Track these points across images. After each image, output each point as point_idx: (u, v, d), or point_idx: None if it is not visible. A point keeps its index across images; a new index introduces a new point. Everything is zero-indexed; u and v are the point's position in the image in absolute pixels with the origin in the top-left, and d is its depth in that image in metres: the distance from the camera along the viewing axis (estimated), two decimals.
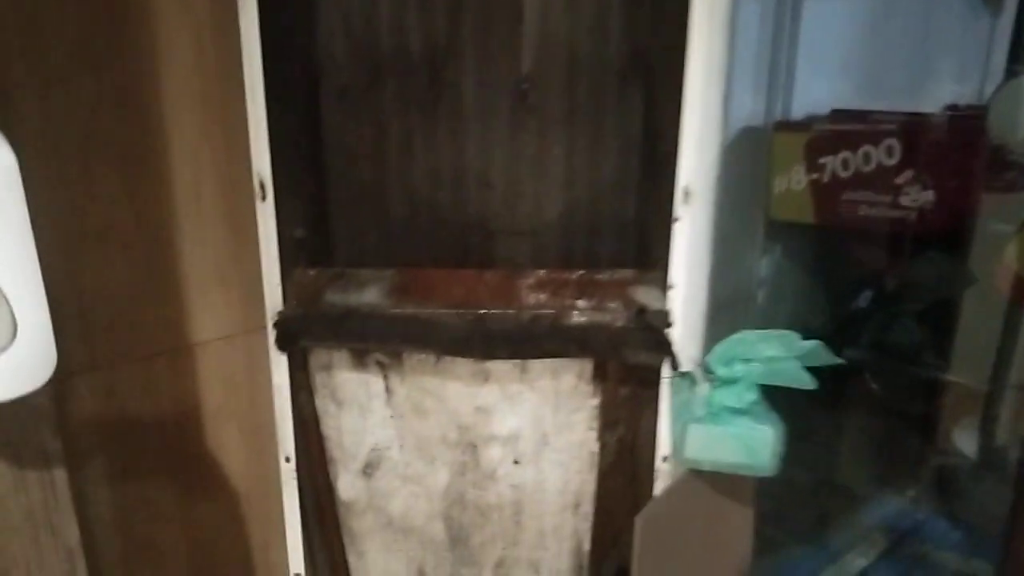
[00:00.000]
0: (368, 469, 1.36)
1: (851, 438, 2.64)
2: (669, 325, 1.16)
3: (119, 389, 1.30)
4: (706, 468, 1.18)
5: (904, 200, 2.44)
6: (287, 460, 1.21)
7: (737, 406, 1.15)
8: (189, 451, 1.41)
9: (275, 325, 1.13)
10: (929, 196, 2.40)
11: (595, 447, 1.35)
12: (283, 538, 1.38)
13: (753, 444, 1.15)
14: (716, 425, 1.16)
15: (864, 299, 2.79)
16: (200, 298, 1.34)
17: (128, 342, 1.28)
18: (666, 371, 1.17)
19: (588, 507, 1.44)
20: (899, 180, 2.43)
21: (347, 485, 1.38)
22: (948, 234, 2.51)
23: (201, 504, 1.45)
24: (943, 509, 2.59)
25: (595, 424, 1.32)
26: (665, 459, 1.23)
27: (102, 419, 1.28)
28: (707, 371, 1.15)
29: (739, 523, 1.33)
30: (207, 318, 1.37)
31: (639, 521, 1.14)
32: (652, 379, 1.19)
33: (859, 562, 2.38)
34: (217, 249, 1.35)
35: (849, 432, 2.64)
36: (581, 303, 1.17)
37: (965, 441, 2.61)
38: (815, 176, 2.47)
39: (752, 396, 1.15)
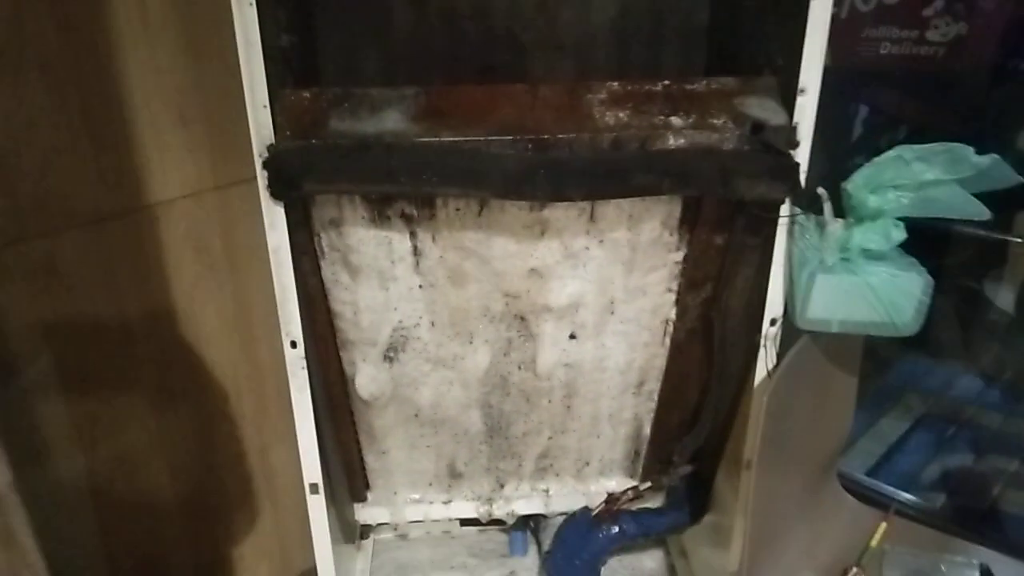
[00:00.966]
0: (391, 353, 1.09)
1: None
2: (795, 144, 0.87)
3: (62, 266, 0.99)
4: (834, 329, 0.93)
5: (932, 35, 2.16)
6: (293, 345, 0.93)
7: (882, 248, 0.89)
8: (160, 343, 1.12)
9: (266, 164, 0.82)
10: (961, 29, 2.12)
11: (671, 313, 1.09)
12: (281, 440, 1.12)
13: (896, 297, 0.90)
14: (851, 274, 0.90)
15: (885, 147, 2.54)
16: (155, 143, 1.02)
17: (66, 204, 0.96)
18: (787, 207, 0.90)
19: (653, 385, 1.20)
20: (927, 12, 2.14)
21: (365, 373, 1.11)
22: (981, 73, 2.25)
23: (180, 408, 1.17)
24: (981, 368, 2.42)
25: (675, 284, 1.05)
26: (774, 322, 0.97)
27: (44, 309, 0.97)
28: (849, 202, 0.88)
29: (844, 391, 1.11)
30: (167, 170, 1.05)
31: (766, 399, 0.90)
32: (762, 220, 0.92)
33: (897, 427, 2.20)
34: (174, 78, 1.02)
35: None
36: (676, 121, 0.87)
37: (1003, 297, 2.43)
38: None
39: (900, 234, 0.89)
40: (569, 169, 0.85)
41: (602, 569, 1.36)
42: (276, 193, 0.84)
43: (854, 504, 1.20)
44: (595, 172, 0.85)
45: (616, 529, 1.24)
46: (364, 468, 1.29)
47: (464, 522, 1.48)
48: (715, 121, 0.88)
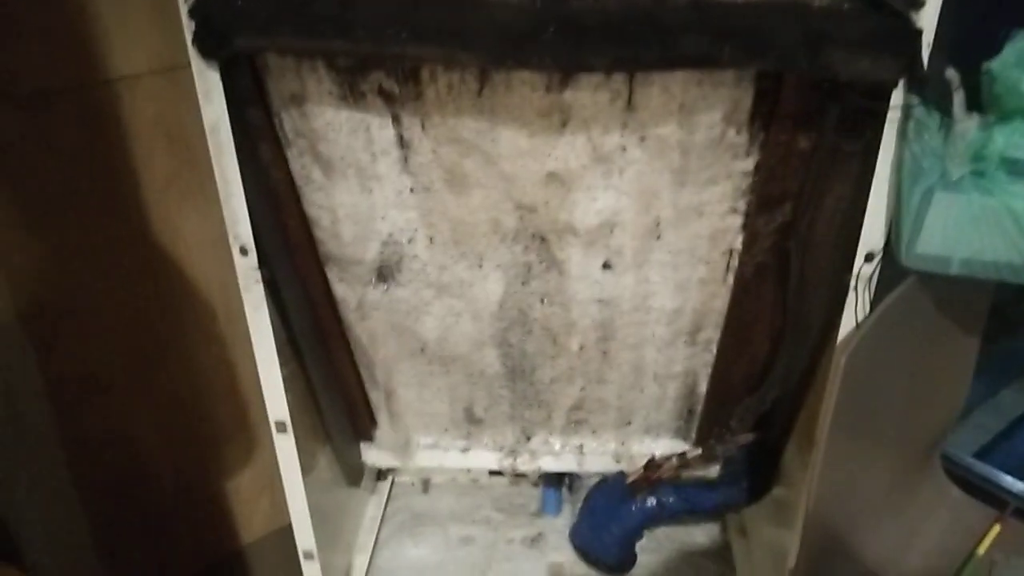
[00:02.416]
0: (384, 273, 0.90)
1: None
2: (919, 3, 0.61)
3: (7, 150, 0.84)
4: (953, 270, 0.67)
5: None
6: (243, 252, 0.75)
7: None
8: (130, 252, 0.97)
9: (192, 11, 0.63)
10: None
11: (736, 242, 0.85)
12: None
13: None
14: (985, 194, 0.64)
15: None
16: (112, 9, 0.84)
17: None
18: (900, 95, 0.64)
19: (711, 334, 0.97)
20: None
21: (355, 297, 0.93)
22: None
23: (158, 327, 1.03)
24: None
25: (741, 203, 0.81)
26: (871, 257, 0.72)
27: None
28: (993, 89, 0.62)
29: (959, 356, 0.85)
30: (130, 40, 0.87)
31: (844, 360, 0.66)
32: (864, 113, 0.67)
33: (1021, 399, 1.86)
34: None
35: None
36: None
37: None
38: None
39: None
40: (591, 25, 0.61)
41: (643, 542, 1.16)
42: (204, 50, 0.65)
43: (960, 497, 0.95)
44: (627, 31, 0.62)
45: (653, 502, 1.03)
46: (369, 406, 1.13)
47: (493, 472, 1.31)
48: None
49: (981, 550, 0.89)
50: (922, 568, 0.86)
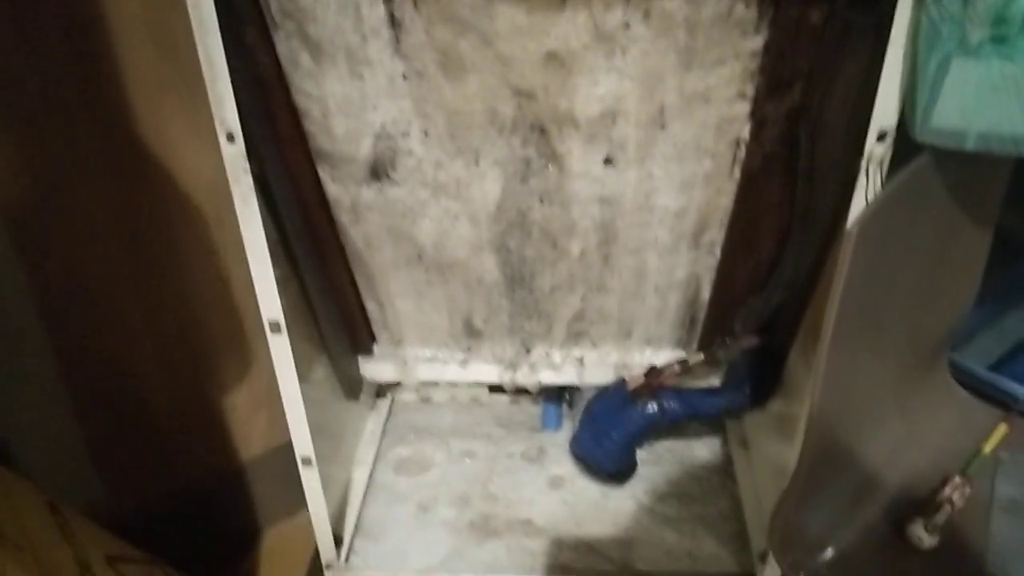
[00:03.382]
0: (378, 170, 0.87)
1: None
2: None
3: None
4: (970, 145, 0.64)
5: None
6: (230, 139, 0.72)
7: None
8: (113, 154, 0.94)
9: None
10: None
11: (744, 130, 0.82)
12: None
13: None
14: (1006, 61, 0.61)
15: None
16: None
17: None
18: None
19: (715, 235, 0.95)
20: None
21: (348, 197, 0.90)
22: None
23: (145, 235, 1.01)
24: None
25: (750, 87, 0.78)
26: (884, 136, 0.69)
27: None
28: None
29: (972, 244, 0.82)
30: None
31: (856, 230, 0.64)
32: None
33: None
34: None
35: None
36: None
37: None
38: None
39: None
40: None
41: (643, 454, 1.16)
42: None
43: (966, 399, 0.94)
44: None
45: (655, 407, 1.02)
46: (367, 317, 1.11)
47: (493, 388, 1.31)
48: None
49: (987, 448, 0.89)
50: (926, 465, 0.85)
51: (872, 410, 0.81)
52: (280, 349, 0.85)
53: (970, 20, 0.60)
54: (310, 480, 0.97)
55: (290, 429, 0.92)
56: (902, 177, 0.66)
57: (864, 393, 0.79)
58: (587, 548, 1.06)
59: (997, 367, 1.36)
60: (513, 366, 1.13)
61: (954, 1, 0.61)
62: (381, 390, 1.32)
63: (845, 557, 0.77)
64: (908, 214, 0.69)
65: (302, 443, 0.94)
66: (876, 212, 0.65)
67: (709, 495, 1.13)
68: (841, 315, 0.66)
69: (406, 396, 1.34)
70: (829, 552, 0.78)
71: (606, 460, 1.07)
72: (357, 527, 1.10)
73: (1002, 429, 0.89)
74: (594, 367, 1.11)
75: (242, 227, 0.78)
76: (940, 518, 0.79)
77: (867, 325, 0.73)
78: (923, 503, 0.82)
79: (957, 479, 0.83)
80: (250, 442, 1.24)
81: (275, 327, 0.84)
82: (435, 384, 1.29)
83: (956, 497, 0.81)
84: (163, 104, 0.94)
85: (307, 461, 0.95)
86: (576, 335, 1.10)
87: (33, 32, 0.84)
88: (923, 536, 0.79)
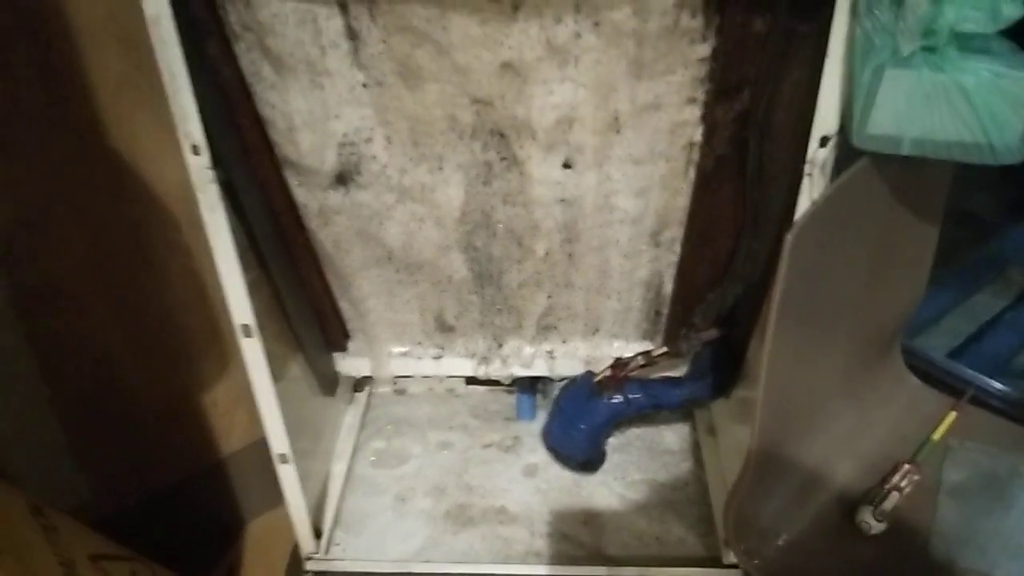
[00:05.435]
0: (343, 177, 0.89)
1: None
2: None
3: None
4: (904, 150, 0.67)
5: None
6: (195, 151, 0.74)
7: (985, 31, 0.62)
8: (81, 156, 0.95)
9: None
10: None
11: (695, 133, 0.84)
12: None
13: (999, 106, 0.64)
14: (936, 71, 0.64)
15: None
16: None
17: None
18: None
19: (675, 232, 0.97)
20: None
21: (315, 202, 0.92)
22: None
23: (118, 239, 1.02)
24: None
25: (700, 92, 0.80)
26: (825, 141, 0.72)
27: None
28: None
29: (917, 241, 0.85)
30: None
31: (791, 235, 0.67)
32: None
33: (994, 303, 1.88)
34: None
35: None
36: None
37: None
38: None
39: (1015, 11, 0.61)
40: None
41: (614, 441, 1.19)
42: None
43: (917, 387, 0.97)
44: None
45: (620, 398, 1.05)
46: (340, 317, 1.13)
47: (469, 380, 1.33)
48: None
49: (937, 435, 0.92)
50: (876, 453, 0.89)
51: (821, 401, 0.85)
52: (252, 352, 0.88)
53: (901, 32, 0.63)
54: (287, 476, 1.00)
55: (264, 428, 0.95)
56: (839, 183, 0.69)
57: (811, 387, 0.82)
58: (560, 535, 1.10)
59: (963, 348, 1.39)
60: (486, 360, 1.16)
61: (886, 13, 0.63)
62: (358, 384, 1.35)
63: (797, 544, 0.81)
64: (848, 215, 0.72)
65: (278, 441, 0.96)
66: (810, 220, 0.68)
67: (678, 481, 1.17)
68: (781, 315, 0.69)
69: (383, 388, 1.36)
70: (782, 539, 0.82)
71: (575, 450, 1.10)
72: (336, 519, 1.13)
73: (951, 416, 0.93)
74: (564, 359, 1.14)
75: (209, 235, 0.80)
76: (888, 504, 0.83)
77: (810, 322, 0.76)
78: (873, 490, 0.86)
79: (906, 466, 0.87)
80: (231, 437, 1.27)
81: (246, 331, 0.86)
82: (411, 377, 1.32)
83: (904, 484, 0.85)
84: (131, 111, 0.95)
85: (284, 458, 0.98)
86: (545, 329, 1.13)
87: None
88: (871, 523, 0.82)
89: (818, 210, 0.69)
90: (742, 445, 1.03)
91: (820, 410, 0.85)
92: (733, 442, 1.14)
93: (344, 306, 1.11)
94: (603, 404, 1.05)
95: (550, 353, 1.14)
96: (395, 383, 1.35)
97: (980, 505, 0.86)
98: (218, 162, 0.78)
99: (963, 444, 0.92)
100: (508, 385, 1.26)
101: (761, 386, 0.72)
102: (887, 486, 0.85)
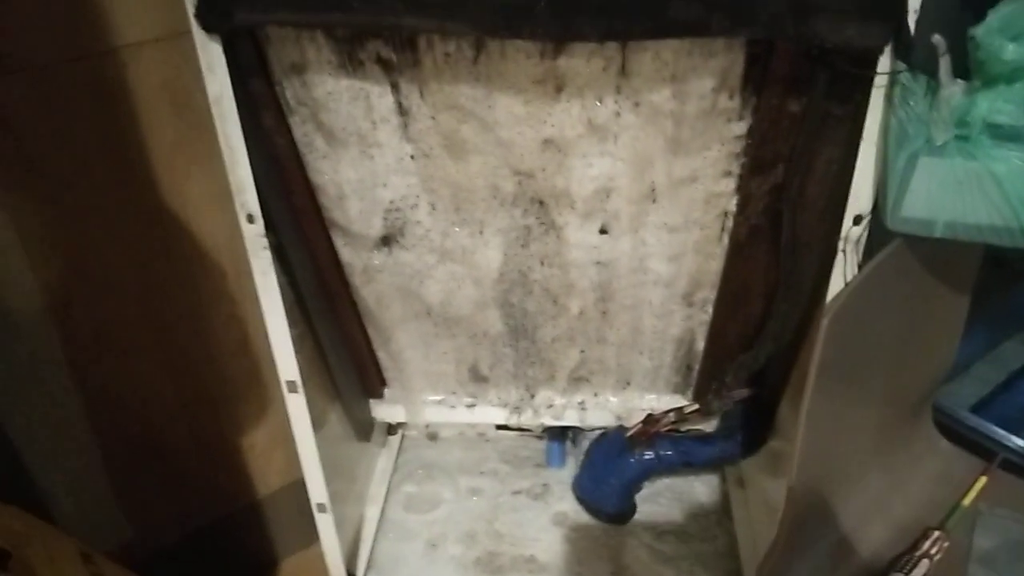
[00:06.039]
0: (388, 239, 0.93)
1: None
2: None
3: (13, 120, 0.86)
4: (937, 233, 0.69)
5: None
6: (250, 220, 0.78)
7: (1017, 123, 0.64)
8: (138, 215, 0.99)
9: None
10: None
11: (730, 204, 0.87)
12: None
13: None
14: (968, 158, 0.66)
15: None
16: None
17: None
18: (886, 61, 0.65)
19: (707, 294, 0.99)
20: None
21: (360, 261, 0.96)
22: None
23: (169, 289, 1.06)
24: None
25: (735, 166, 0.83)
26: (859, 220, 0.74)
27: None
28: (977, 55, 0.63)
29: (949, 315, 0.87)
30: (131, 9, 0.89)
31: (827, 319, 0.69)
32: (852, 79, 0.68)
33: (1021, 354, 1.86)
34: None
35: None
36: None
37: None
38: None
39: None
40: None
41: (644, 492, 1.21)
42: (206, 24, 0.66)
43: (949, 450, 0.98)
44: (618, 2, 0.63)
45: (651, 455, 1.07)
46: (378, 365, 1.16)
47: (500, 426, 1.35)
48: None
49: (967, 501, 0.92)
50: (907, 516, 0.89)
51: (854, 467, 0.86)
52: (296, 407, 0.91)
53: (935, 123, 0.65)
54: (324, 524, 1.02)
55: (305, 478, 0.98)
56: (874, 263, 0.71)
57: (845, 453, 0.84)
58: None
59: (991, 398, 1.38)
60: (518, 410, 1.18)
61: (921, 104, 0.66)
62: (392, 428, 1.37)
63: None
64: (883, 294, 0.74)
65: (317, 491, 0.99)
66: (846, 303, 0.70)
67: (707, 533, 1.17)
68: (817, 388, 0.71)
69: (415, 432, 1.38)
70: None
71: (605, 503, 1.12)
72: (369, 564, 1.15)
73: (981, 481, 0.93)
74: (595, 411, 1.16)
75: (260, 296, 0.84)
76: (919, 572, 0.84)
77: (845, 392, 0.77)
78: (903, 557, 0.86)
79: (936, 533, 0.88)
80: (268, 478, 1.30)
81: (292, 387, 0.89)
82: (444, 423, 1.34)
83: (935, 551, 0.86)
84: (182, 166, 1.00)
85: (322, 508, 1.01)
86: (577, 381, 1.15)
87: (59, 100, 0.90)
88: None
89: (853, 292, 0.71)
90: (771, 498, 1.04)
91: (852, 476, 0.86)
92: (762, 495, 1.15)
93: (382, 356, 1.14)
94: (634, 460, 1.07)
95: (581, 404, 1.16)
96: (427, 427, 1.37)
97: (1011, 574, 0.86)
98: (270, 226, 0.82)
99: (993, 510, 0.93)
100: (539, 433, 1.28)
101: (795, 463, 0.74)
102: (917, 553, 0.86)
